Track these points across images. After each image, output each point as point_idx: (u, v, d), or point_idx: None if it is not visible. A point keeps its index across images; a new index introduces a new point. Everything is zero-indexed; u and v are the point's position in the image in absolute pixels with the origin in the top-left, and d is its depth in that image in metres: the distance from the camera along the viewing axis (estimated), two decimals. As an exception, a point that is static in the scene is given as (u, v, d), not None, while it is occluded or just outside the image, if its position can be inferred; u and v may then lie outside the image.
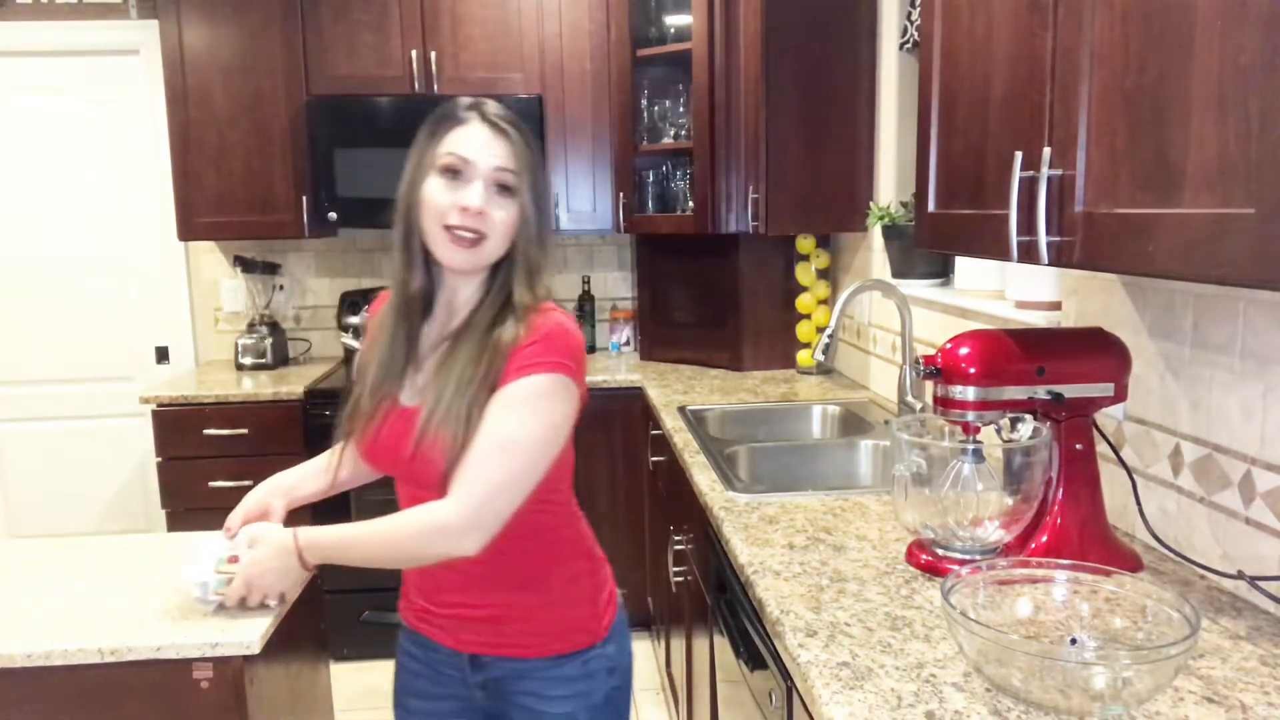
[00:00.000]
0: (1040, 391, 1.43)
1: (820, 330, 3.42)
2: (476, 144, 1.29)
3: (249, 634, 1.53)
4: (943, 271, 2.59)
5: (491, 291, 1.35)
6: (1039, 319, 1.91)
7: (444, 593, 1.46)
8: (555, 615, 1.44)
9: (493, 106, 1.33)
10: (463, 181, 1.29)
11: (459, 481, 1.27)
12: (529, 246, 1.34)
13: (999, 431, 1.52)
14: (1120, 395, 1.46)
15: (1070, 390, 1.43)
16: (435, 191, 1.29)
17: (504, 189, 1.31)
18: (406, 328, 1.38)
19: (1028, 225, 1.21)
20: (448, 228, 1.29)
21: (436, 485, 1.30)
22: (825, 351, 2.23)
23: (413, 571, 1.51)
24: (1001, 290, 2.20)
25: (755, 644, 1.54)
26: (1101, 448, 1.51)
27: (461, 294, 1.37)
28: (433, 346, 1.38)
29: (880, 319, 2.91)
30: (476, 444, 1.27)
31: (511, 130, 1.32)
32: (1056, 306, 1.90)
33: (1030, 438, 1.47)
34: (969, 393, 1.42)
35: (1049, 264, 1.19)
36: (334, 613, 3.12)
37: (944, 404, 1.45)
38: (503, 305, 1.33)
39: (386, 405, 1.38)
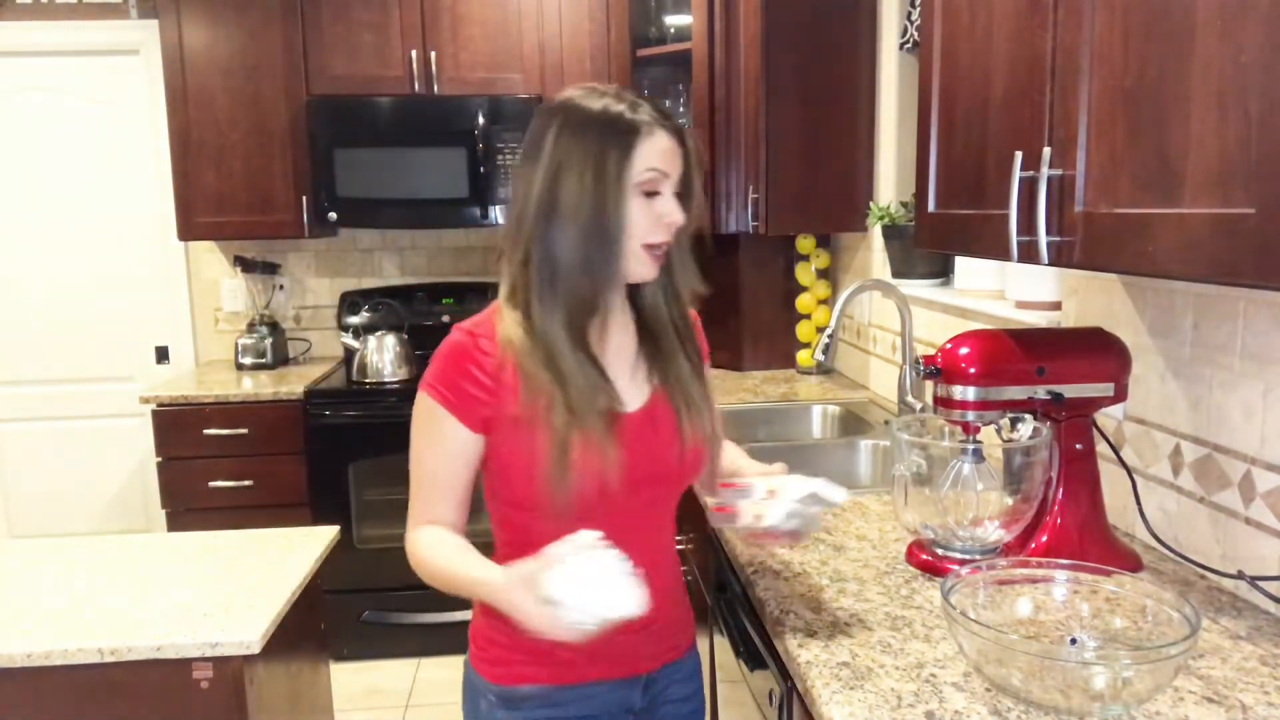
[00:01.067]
0: (1040, 391, 1.43)
1: (820, 330, 3.42)
2: (668, 156, 1.21)
3: (249, 634, 1.53)
4: (943, 271, 2.59)
5: (661, 288, 1.30)
6: (1039, 319, 1.91)
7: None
8: (688, 605, 1.43)
9: (657, 106, 1.23)
10: (659, 196, 1.21)
11: (733, 449, 1.42)
12: (684, 239, 1.28)
13: (999, 431, 1.52)
14: (1120, 395, 1.46)
15: (1070, 390, 1.43)
16: (639, 211, 1.20)
17: (679, 194, 1.25)
18: (586, 341, 1.25)
19: (1028, 225, 1.21)
20: (649, 246, 1.22)
21: (697, 475, 1.34)
22: (825, 351, 2.22)
23: None
24: (1001, 290, 2.20)
25: (755, 644, 1.54)
26: (1101, 448, 1.51)
27: (617, 297, 1.30)
28: (599, 347, 1.27)
29: (880, 319, 2.91)
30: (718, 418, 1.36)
31: (685, 131, 1.25)
32: (1056, 306, 1.90)
33: (1030, 438, 1.47)
34: (969, 393, 1.42)
35: (1049, 264, 1.19)
36: (334, 613, 3.12)
37: (944, 404, 1.45)
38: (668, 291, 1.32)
39: (616, 420, 1.24)
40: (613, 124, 1.19)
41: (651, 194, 1.20)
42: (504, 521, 1.31)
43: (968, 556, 1.45)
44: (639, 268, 1.23)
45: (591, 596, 1.06)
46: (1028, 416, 1.49)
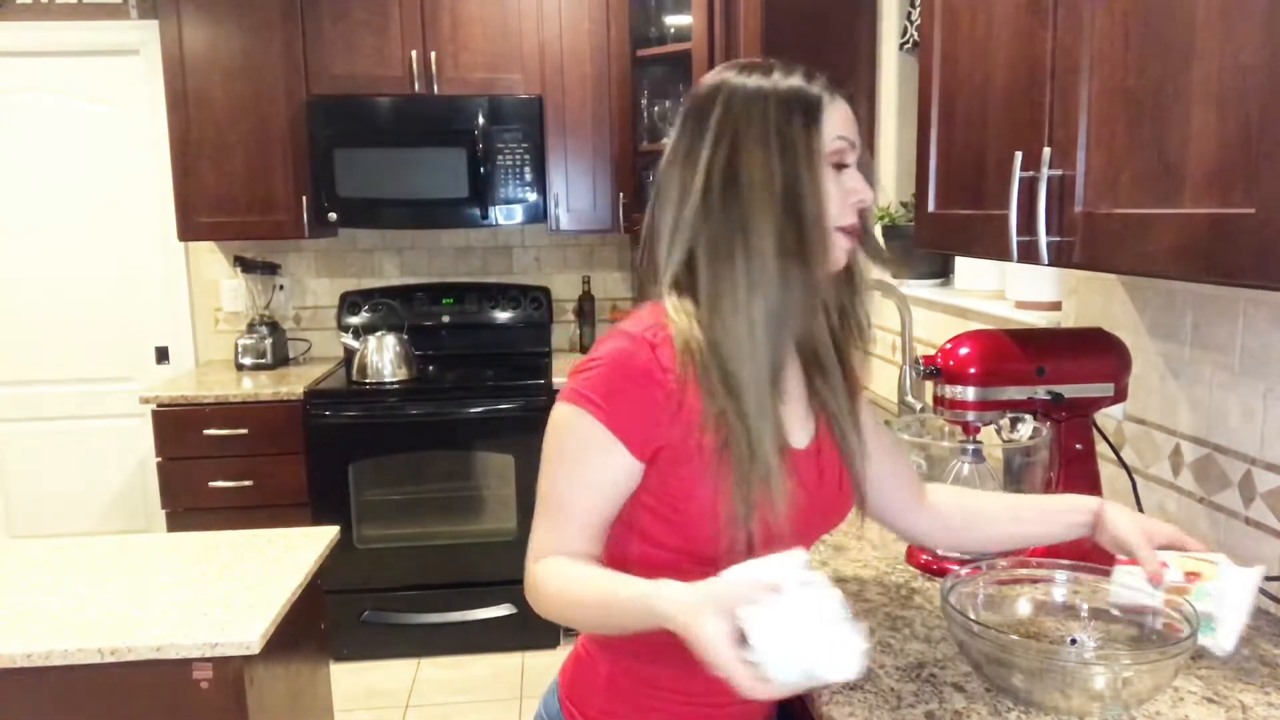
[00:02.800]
0: (1040, 391, 1.43)
1: (820, 330, 3.41)
2: (851, 124, 1.06)
3: (249, 634, 1.53)
4: (943, 271, 2.59)
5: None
6: (1039, 319, 1.91)
7: None
8: None
9: (828, 76, 1.08)
10: (847, 170, 1.06)
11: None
12: (870, 229, 1.11)
13: (999, 431, 1.52)
14: (1120, 395, 1.46)
15: (1070, 390, 1.43)
16: (831, 189, 1.04)
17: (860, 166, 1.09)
18: (780, 359, 1.07)
19: (1028, 225, 1.21)
20: (842, 229, 1.05)
21: (843, 520, 1.17)
22: (825, 351, 2.22)
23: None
24: (1001, 290, 2.20)
25: (755, 644, 1.54)
26: (1101, 447, 1.51)
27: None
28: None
29: (880, 319, 2.91)
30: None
31: (854, 100, 1.09)
32: (1056, 306, 1.90)
33: (1030, 438, 1.47)
34: (969, 393, 1.42)
35: (1049, 264, 1.19)
36: (334, 613, 3.12)
37: (944, 404, 1.45)
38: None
39: (786, 456, 1.06)
40: (791, 94, 1.05)
41: (840, 166, 1.06)
42: (641, 561, 1.06)
43: (968, 557, 1.45)
44: (836, 253, 1.06)
45: (804, 651, 0.80)
46: (1028, 417, 1.49)
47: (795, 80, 1.06)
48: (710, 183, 1.03)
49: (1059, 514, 1.24)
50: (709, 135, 1.04)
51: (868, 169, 1.08)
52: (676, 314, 1.04)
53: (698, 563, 1.02)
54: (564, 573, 1.01)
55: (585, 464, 1.02)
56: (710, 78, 1.09)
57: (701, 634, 0.84)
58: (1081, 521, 1.22)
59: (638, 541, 1.06)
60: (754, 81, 1.06)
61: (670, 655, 0.99)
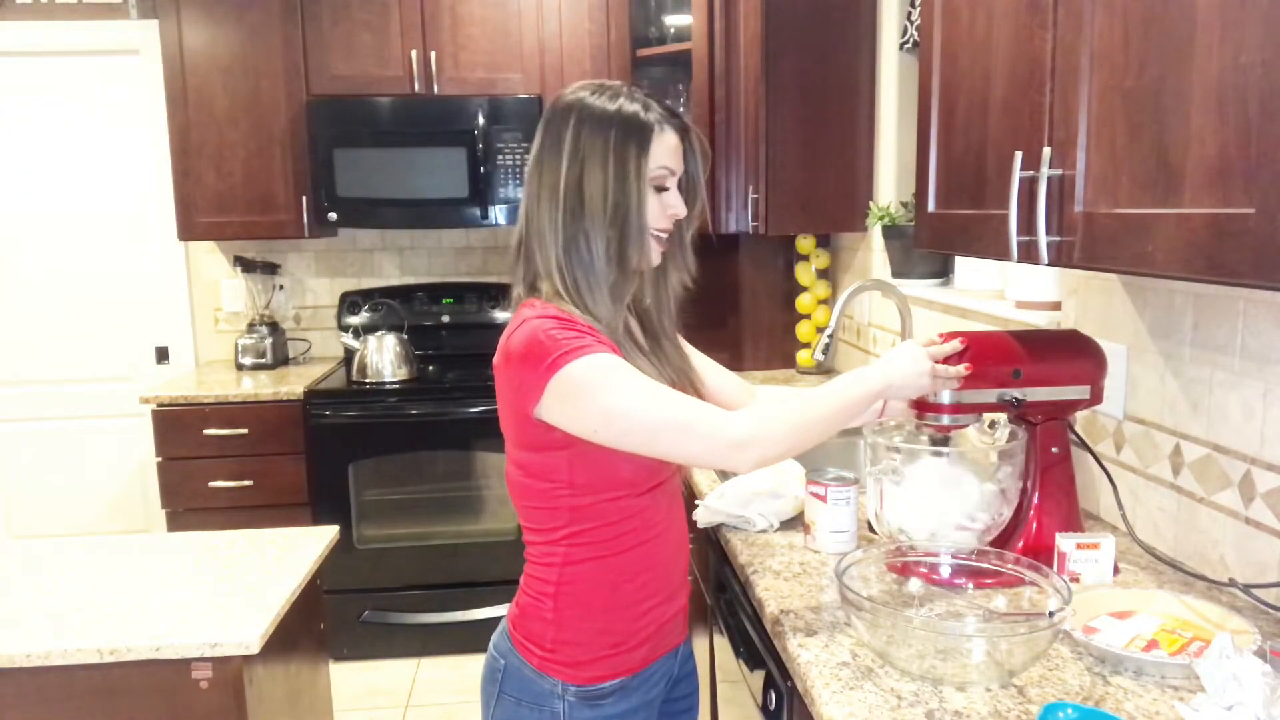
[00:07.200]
0: (1015, 394, 1.41)
1: (820, 330, 3.42)
2: (675, 154, 1.30)
3: (248, 634, 1.53)
4: (943, 271, 2.59)
5: (653, 274, 1.39)
6: (1039, 319, 1.91)
7: (683, 577, 1.43)
8: None
9: (663, 104, 1.31)
10: (667, 191, 1.30)
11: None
12: (683, 231, 1.38)
13: (976, 434, 1.51)
14: (1096, 398, 1.45)
15: (1046, 393, 1.42)
16: (653, 205, 1.29)
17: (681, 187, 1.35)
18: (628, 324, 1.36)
19: (1028, 225, 1.21)
20: (656, 234, 1.31)
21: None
22: (825, 351, 2.22)
23: (666, 577, 1.38)
24: (1001, 290, 2.20)
25: (755, 644, 1.54)
26: (1100, 448, 1.50)
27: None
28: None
29: (880, 319, 2.91)
30: None
31: (690, 127, 1.33)
32: (1056, 306, 1.89)
33: (1006, 441, 1.47)
34: (944, 395, 1.41)
35: (1049, 264, 1.19)
36: (334, 613, 3.12)
37: (919, 407, 1.43)
38: None
39: None
40: (628, 123, 1.26)
41: (661, 189, 1.29)
42: (607, 512, 1.28)
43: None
44: (651, 255, 1.32)
45: None
46: (1003, 419, 1.48)
47: (635, 109, 1.27)
48: (566, 197, 1.26)
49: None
50: (565, 152, 1.26)
51: (694, 187, 1.34)
52: (548, 303, 1.26)
53: (636, 499, 1.30)
54: (769, 410, 1.24)
55: (630, 372, 1.21)
56: (568, 95, 1.30)
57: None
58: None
59: (603, 493, 1.28)
60: (603, 105, 1.27)
61: (609, 592, 1.30)
